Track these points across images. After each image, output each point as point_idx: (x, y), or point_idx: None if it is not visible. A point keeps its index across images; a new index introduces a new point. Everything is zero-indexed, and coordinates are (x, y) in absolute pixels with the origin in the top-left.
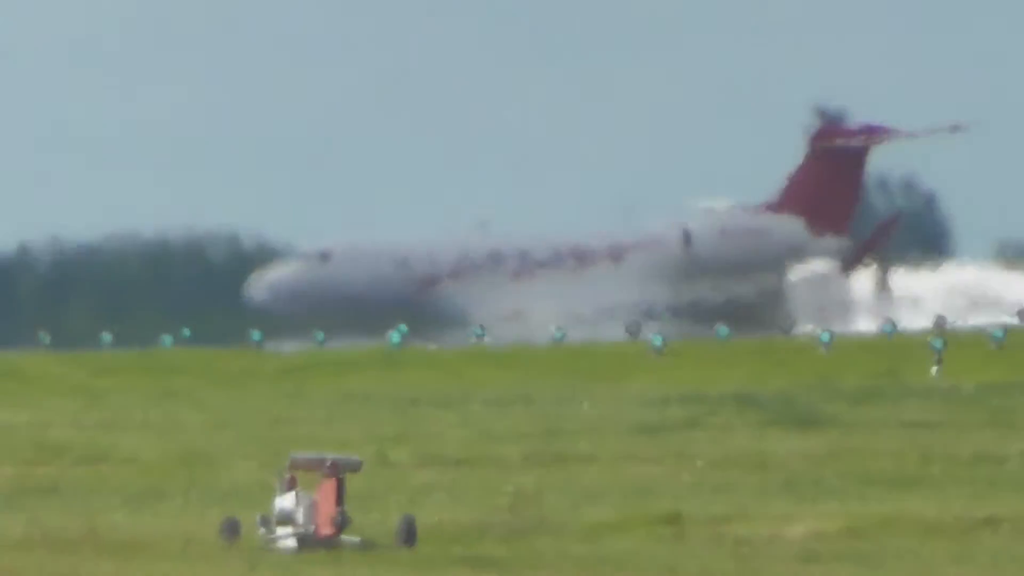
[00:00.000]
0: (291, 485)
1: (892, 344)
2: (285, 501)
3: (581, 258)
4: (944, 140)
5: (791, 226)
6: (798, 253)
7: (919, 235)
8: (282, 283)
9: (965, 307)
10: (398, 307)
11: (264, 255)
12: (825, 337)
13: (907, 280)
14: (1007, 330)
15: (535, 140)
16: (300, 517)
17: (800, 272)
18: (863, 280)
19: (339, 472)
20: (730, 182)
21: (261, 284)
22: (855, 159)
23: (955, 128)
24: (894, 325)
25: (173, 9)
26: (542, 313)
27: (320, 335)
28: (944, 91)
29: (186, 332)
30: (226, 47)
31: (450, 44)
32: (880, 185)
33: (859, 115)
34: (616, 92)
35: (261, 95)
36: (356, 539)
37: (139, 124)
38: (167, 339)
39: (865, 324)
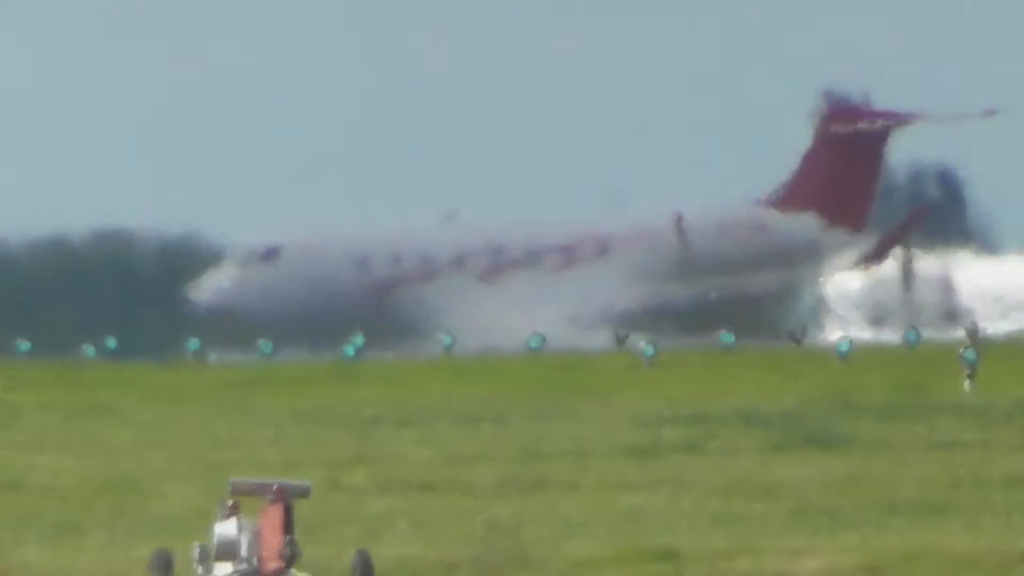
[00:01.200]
0: (232, 513)
1: (918, 354)
2: (226, 530)
3: (562, 254)
4: (976, 125)
5: (801, 220)
6: (810, 250)
7: (950, 227)
8: (222, 287)
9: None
10: (354, 313)
11: (201, 255)
12: (844, 347)
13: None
14: None
15: (510, 123)
16: (243, 549)
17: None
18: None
19: (287, 498)
20: (731, 171)
21: (199, 289)
22: (873, 146)
23: (990, 112)
24: (918, 333)
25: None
26: (517, 318)
27: (266, 345)
28: (967, 76)
29: (111, 342)
30: (154, 34)
31: (414, 17)
32: (907, 174)
33: (879, 98)
34: (599, 70)
35: (193, 76)
36: (306, 575)
37: (59, 114)
38: (90, 350)
39: (890, 332)
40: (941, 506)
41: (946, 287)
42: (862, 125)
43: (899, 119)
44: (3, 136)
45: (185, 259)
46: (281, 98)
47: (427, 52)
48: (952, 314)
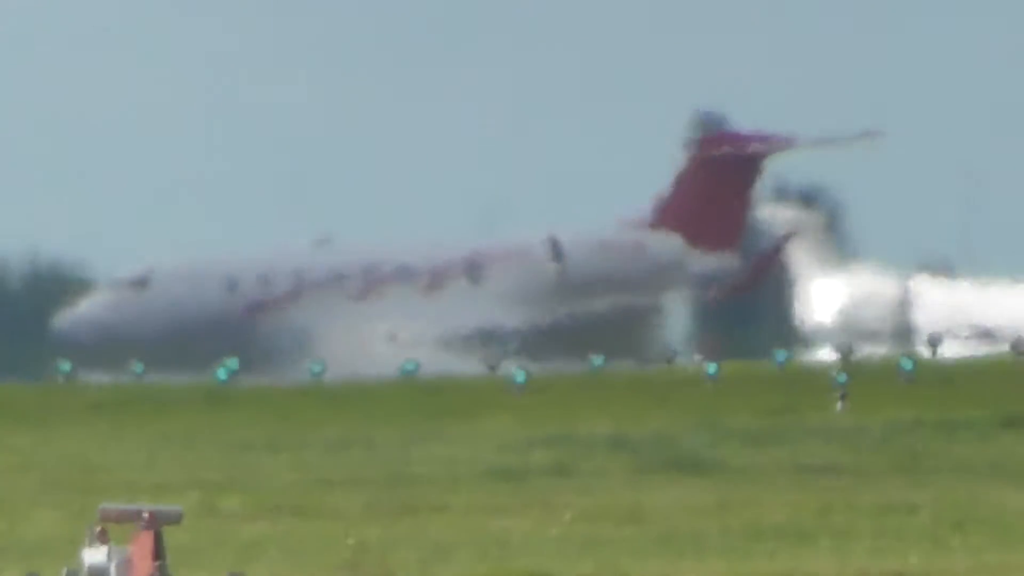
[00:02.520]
0: (102, 538)
1: (788, 376)
2: (95, 556)
3: (432, 274)
4: (849, 149)
5: (667, 242)
6: (676, 271)
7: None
8: (93, 314)
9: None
10: (226, 336)
11: (70, 277)
12: (712, 369)
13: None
14: (916, 362)
15: (382, 146)
16: (112, 574)
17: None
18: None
19: (157, 524)
20: (602, 193)
21: (71, 313)
22: (746, 169)
23: (870, 134)
24: (788, 353)
25: None
26: (388, 341)
27: (139, 367)
28: (839, 98)
29: None
30: (26, 53)
31: (287, 43)
32: (779, 196)
33: (743, 122)
34: (471, 90)
35: (64, 102)
36: None
37: None
38: None
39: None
40: (809, 532)
41: (902, 306)
42: (735, 149)
43: (773, 142)
44: None
45: (54, 283)
46: (150, 123)
47: (298, 77)
48: (904, 332)
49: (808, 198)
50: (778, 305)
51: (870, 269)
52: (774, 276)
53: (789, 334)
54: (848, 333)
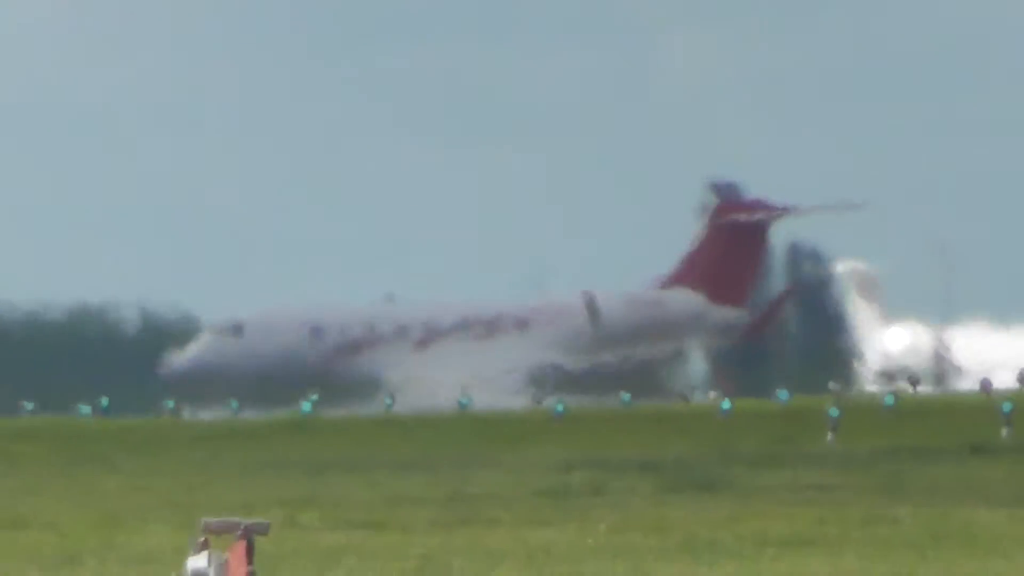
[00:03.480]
0: (204, 547)
1: (789, 411)
2: (198, 563)
3: (487, 326)
4: (839, 215)
5: (689, 298)
6: (695, 322)
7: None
8: (195, 358)
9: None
10: (309, 376)
11: (175, 327)
12: (726, 405)
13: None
14: (897, 396)
15: (441, 216)
16: None
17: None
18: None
19: (250, 535)
20: (631, 256)
21: (175, 360)
22: (754, 233)
23: (851, 206)
24: (789, 392)
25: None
26: (448, 381)
27: (234, 404)
28: (832, 169)
29: (104, 401)
30: (135, 124)
31: (358, 120)
32: (789, 257)
33: (754, 191)
34: (519, 173)
35: (174, 171)
36: None
37: (56, 196)
38: (85, 408)
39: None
40: (807, 540)
41: (939, 351)
42: (745, 216)
43: (777, 211)
44: (11, 219)
45: (164, 332)
46: (250, 200)
47: (365, 155)
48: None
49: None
50: (836, 349)
51: (912, 321)
52: (835, 323)
53: (849, 374)
54: (897, 375)
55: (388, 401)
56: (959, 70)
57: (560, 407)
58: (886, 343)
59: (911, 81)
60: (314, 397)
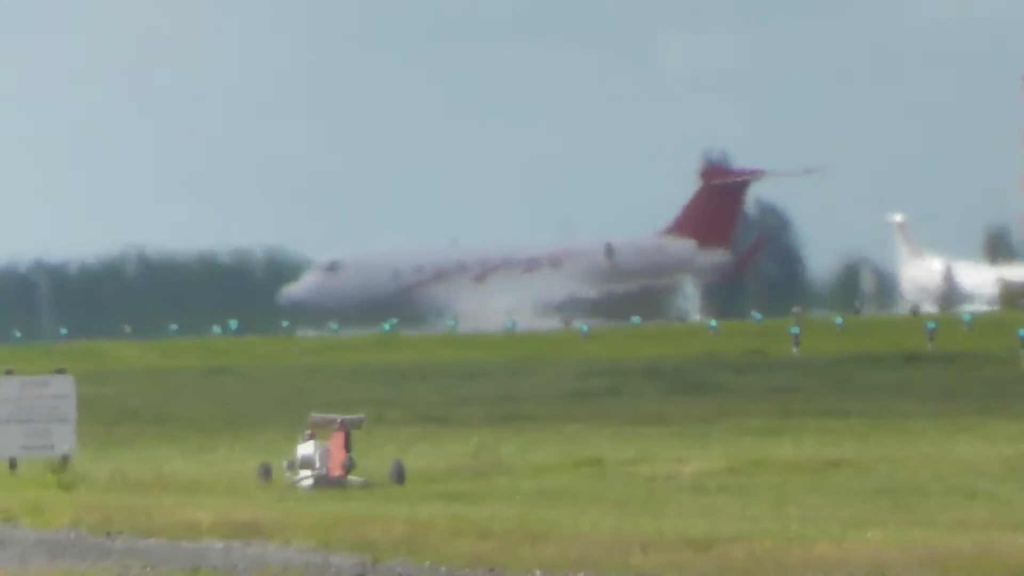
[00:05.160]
0: (310, 438)
1: (763, 329)
2: (306, 449)
3: (528, 264)
4: (801, 179)
5: (684, 244)
6: (688, 262)
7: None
8: (303, 290)
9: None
10: (390, 304)
11: (288, 264)
12: (713, 324)
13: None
14: (844, 318)
15: (493, 177)
16: (317, 462)
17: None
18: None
19: (347, 428)
20: (643, 210)
21: (288, 291)
22: (734, 193)
23: (809, 170)
24: (761, 315)
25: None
26: (498, 307)
27: (335, 326)
28: (800, 141)
29: (232, 324)
30: (277, 106)
31: (423, 94)
32: (764, 211)
33: (740, 160)
34: (554, 142)
35: (290, 144)
36: (360, 479)
37: (204, 168)
38: (217, 329)
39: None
40: (776, 430)
41: (947, 277)
42: (727, 180)
43: (752, 175)
44: (172, 184)
45: (280, 269)
46: (347, 163)
47: (430, 130)
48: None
49: (774, 212)
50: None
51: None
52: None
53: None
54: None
55: (452, 323)
56: (900, 62)
57: (585, 328)
58: (914, 273)
59: (865, 71)
60: (394, 320)
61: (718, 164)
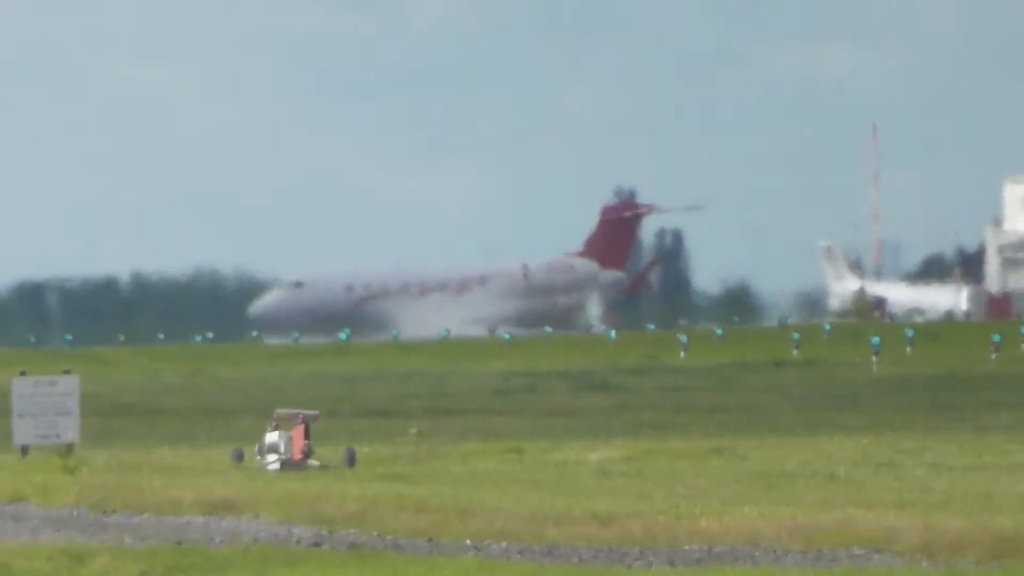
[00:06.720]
0: (276, 428)
1: (655, 338)
2: (272, 438)
3: (460, 283)
4: (688, 214)
5: (588, 265)
6: (592, 281)
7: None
8: (270, 304)
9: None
10: (345, 316)
11: (256, 282)
12: (613, 334)
13: None
14: (724, 331)
15: (430, 205)
16: (282, 448)
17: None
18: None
19: (307, 421)
20: (555, 236)
21: (256, 305)
22: (631, 224)
23: (693, 207)
24: (655, 326)
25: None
26: (435, 319)
27: (296, 335)
28: (691, 180)
29: (210, 335)
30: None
31: (370, 137)
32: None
33: (644, 195)
34: (479, 179)
35: (258, 172)
36: (318, 463)
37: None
38: (198, 338)
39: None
40: (668, 424)
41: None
42: (627, 213)
43: (646, 210)
44: (167, 206)
45: (249, 286)
46: (309, 191)
47: (377, 167)
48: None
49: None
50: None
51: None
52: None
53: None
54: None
55: (396, 333)
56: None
57: (507, 336)
58: (837, 289)
59: (747, 122)
60: (347, 331)
61: (625, 199)
